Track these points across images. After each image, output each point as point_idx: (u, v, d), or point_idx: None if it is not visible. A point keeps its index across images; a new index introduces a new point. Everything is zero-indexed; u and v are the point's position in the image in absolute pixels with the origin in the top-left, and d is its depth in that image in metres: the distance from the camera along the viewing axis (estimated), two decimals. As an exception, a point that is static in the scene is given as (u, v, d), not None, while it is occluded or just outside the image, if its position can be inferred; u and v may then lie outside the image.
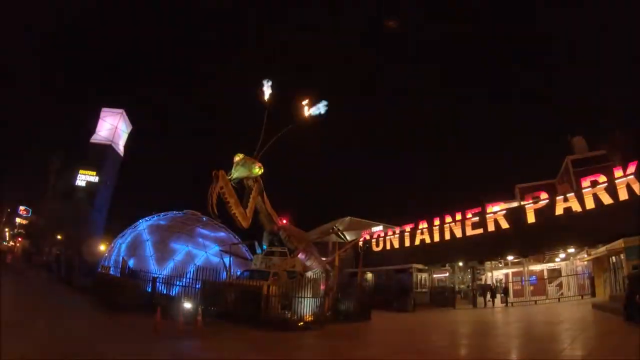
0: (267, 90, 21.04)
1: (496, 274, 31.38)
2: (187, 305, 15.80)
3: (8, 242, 72.00)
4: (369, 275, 33.14)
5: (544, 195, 27.78)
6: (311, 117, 21.23)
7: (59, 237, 61.89)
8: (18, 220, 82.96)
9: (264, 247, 20.83)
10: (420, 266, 31.83)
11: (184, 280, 17.52)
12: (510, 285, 29.41)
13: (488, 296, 27.32)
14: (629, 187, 22.63)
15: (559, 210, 25.63)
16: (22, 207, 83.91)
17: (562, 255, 28.68)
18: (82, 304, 17.58)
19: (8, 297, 13.79)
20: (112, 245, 29.04)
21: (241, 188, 19.01)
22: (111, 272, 23.40)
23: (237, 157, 18.82)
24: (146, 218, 27.99)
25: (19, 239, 72.40)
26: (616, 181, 23.31)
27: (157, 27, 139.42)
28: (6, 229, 78.56)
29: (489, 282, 30.27)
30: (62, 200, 79.55)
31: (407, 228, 35.55)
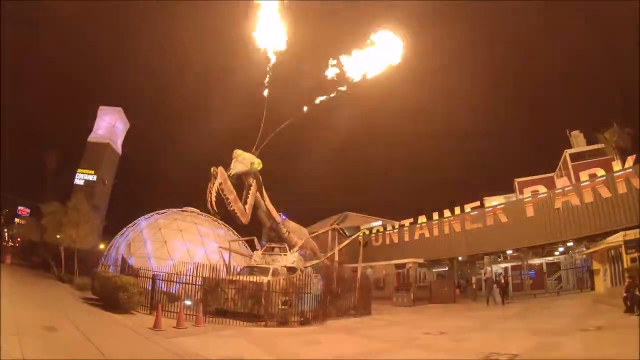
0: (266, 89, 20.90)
1: (495, 268, 31.44)
2: (187, 302, 15.80)
3: (7, 242, 71.89)
4: (369, 271, 33.19)
5: (542, 189, 27.82)
6: (310, 111, 21.16)
7: (57, 236, 61.75)
8: (17, 220, 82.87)
9: (263, 243, 20.81)
10: (419, 261, 31.87)
11: (184, 277, 17.49)
12: (510, 279, 29.45)
13: (495, 293, 24.48)
14: (627, 181, 22.66)
15: (557, 204, 25.66)
16: (20, 207, 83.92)
17: (561, 249, 28.75)
18: (82, 302, 17.55)
19: (7, 297, 13.75)
20: (112, 243, 29.00)
21: (240, 184, 18.95)
22: (111, 270, 23.36)
23: (236, 153, 18.75)
24: (145, 216, 27.97)
25: (18, 239, 72.27)
26: (615, 175, 23.34)
27: (152, 19, 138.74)
28: (5, 230, 78.43)
29: (489, 275, 30.15)
30: (60, 200, 79.41)
31: (407, 223, 35.59)
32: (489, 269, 31.61)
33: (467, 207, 31.25)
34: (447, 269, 35.27)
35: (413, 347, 11.13)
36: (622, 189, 22.81)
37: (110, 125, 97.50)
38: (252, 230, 22.58)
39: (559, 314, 17.21)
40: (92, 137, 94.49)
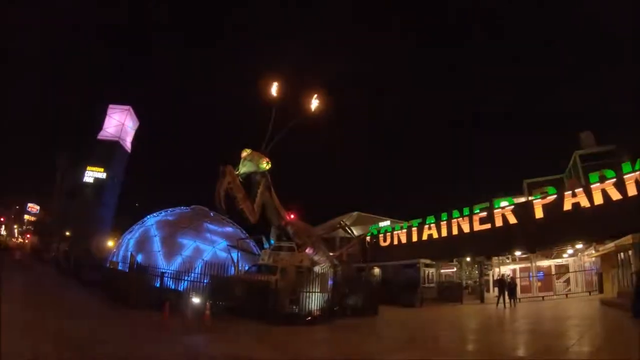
0: (274, 86, 20.92)
1: (503, 270, 31.26)
2: (195, 300, 15.91)
3: (17, 239, 72.76)
4: (376, 270, 33.11)
5: (552, 191, 27.59)
6: (318, 110, 21.17)
7: (67, 233, 62.54)
8: (26, 217, 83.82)
9: (272, 242, 20.87)
10: (427, 261, 31.74)
11: (192, 275, 17.61)
12: (518, 281, 29.25)
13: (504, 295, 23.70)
14: (637, 183, 22.37)
15: (567, 206, 25.37)
16: (30, 204, 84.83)
17: (570, 251, 28.52)
18: (91, 299, 17.72)
19: (17, 293, 13.94)
20: (120, 240, 29.24)
21: (249, 183, 19.03)
22: (119, 268, 23.57)
23: (245, 152, 18.83)
24: (154, 214, 28.16)
25: (28, 236, 73.14)
26: (624, 176, 23.05)
27: (161, 20, 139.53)
28: (15, 226, 79.37)
29: (497, 277, 29.97)
30: (70, 197, 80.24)
31: (415, 223, 35.46)
32: (497, 270, 31.47)
33: (476, 208, 31.09)
34: (455, 269, 35.16)
35: (419, 348, 11.14)
36: (632, 190, 22.54)
37: (119, 124, 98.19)
38: (261, 229, 22.67)
39: (567, 317, 17.12)
40: (102, 135, 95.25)
